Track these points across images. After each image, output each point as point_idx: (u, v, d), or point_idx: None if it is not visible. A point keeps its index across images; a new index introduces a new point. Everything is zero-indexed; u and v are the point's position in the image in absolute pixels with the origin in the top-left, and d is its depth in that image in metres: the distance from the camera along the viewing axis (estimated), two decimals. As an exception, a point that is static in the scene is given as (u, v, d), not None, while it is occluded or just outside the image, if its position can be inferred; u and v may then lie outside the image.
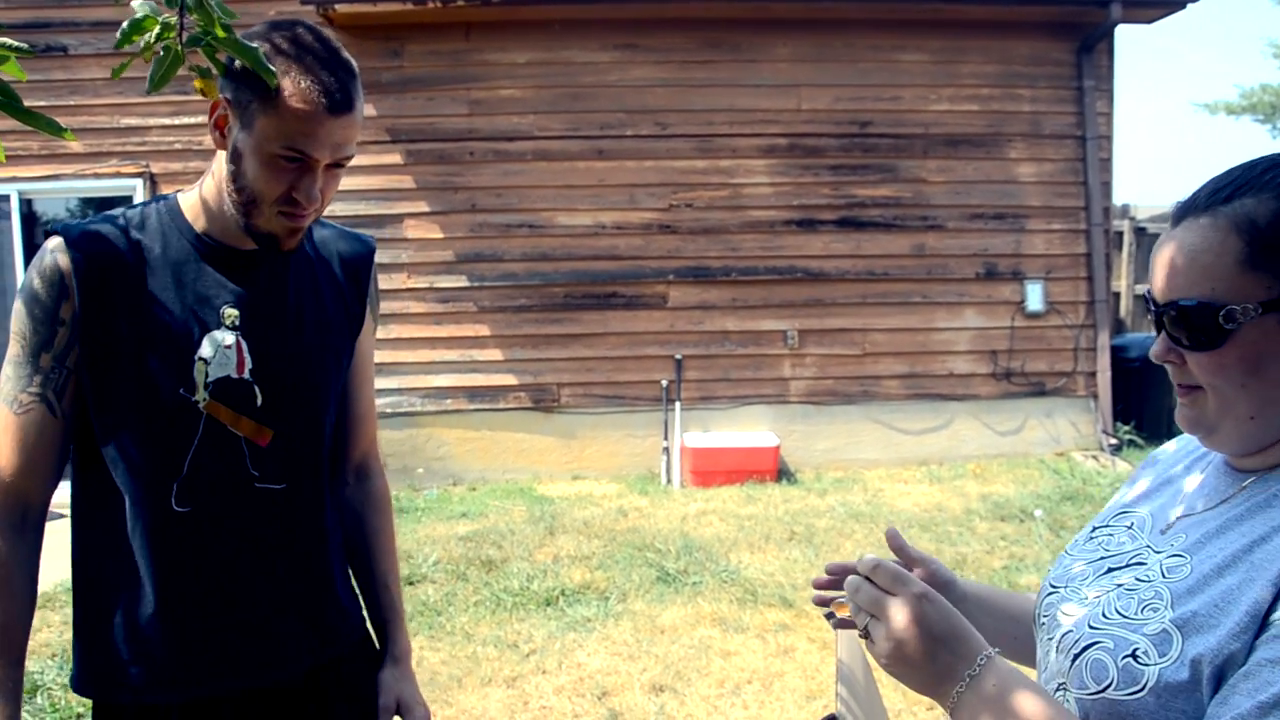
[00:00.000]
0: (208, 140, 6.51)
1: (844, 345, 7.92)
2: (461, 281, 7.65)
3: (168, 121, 7.44)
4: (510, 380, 7.73)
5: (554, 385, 7.74)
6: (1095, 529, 1.33)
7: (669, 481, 7.58)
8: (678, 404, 7.73)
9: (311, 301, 1.64)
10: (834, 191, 7.82)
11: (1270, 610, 0.98)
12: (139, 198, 7.43)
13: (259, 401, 1.56)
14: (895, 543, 1.39)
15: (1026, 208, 8.01)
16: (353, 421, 1.80)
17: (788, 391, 7.91)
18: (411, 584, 5.34)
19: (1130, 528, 1.27)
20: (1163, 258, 1.11)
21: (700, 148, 7.72)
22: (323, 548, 1.67)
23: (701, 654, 4.40)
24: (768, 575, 5.35)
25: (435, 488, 7.55)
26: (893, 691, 3.77)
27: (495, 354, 7.70)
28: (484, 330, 7.69)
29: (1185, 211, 1.10)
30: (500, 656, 4.43)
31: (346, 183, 7.41)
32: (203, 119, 7.29)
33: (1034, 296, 8.01)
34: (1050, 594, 1.28)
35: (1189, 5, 7.80)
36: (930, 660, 1.07)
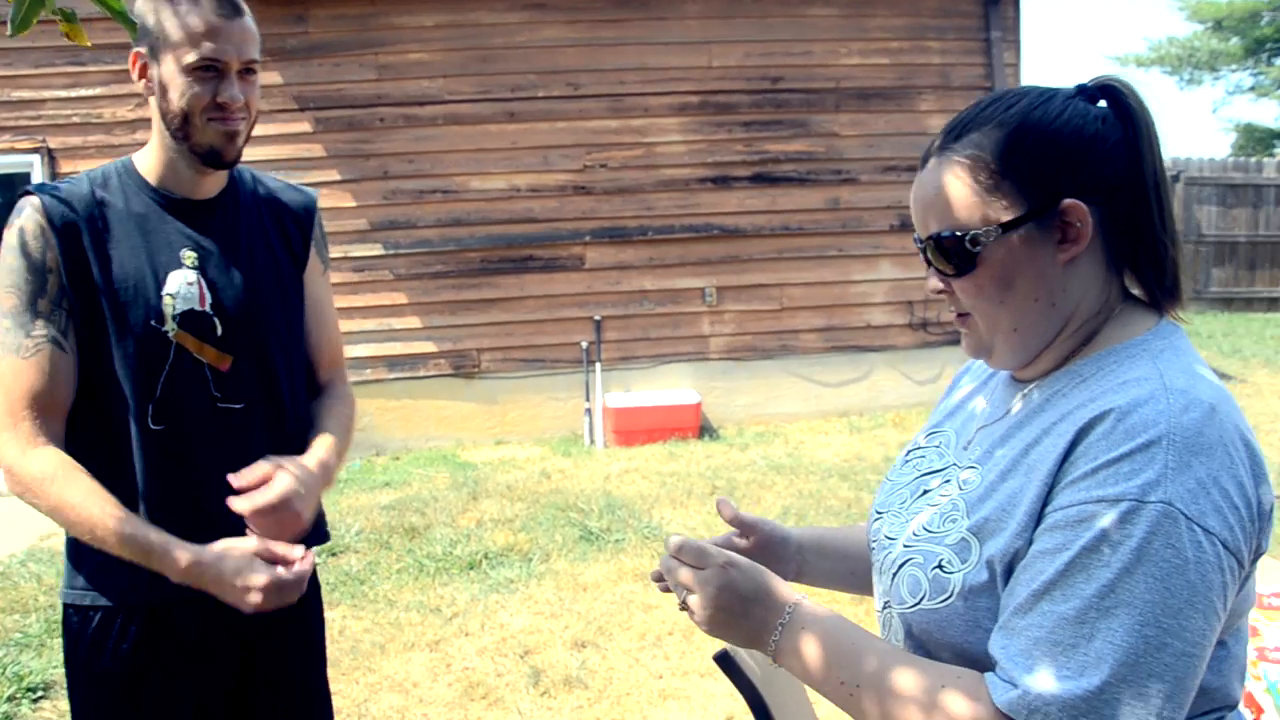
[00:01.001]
0: (108, 113, 6.35)
1: (762, 301, 7.98)
2: (376, 250, 7.56)
3: (64, 94, 7.22)
4: (429, 347, 7.68)
5: (474, 351, 7.71)
6: (910, 452, 1.42)
7: (592, 442, 7.61)
8: (598, 365, 7.74)
9: (261, 244, 1.85)
10: (747, 148, 7.85)
11: (1044, 505, 1.06)
12: (36, 174, 7.20)
13: (219, 331, 1.76)
14: (728, 513, 1.46)
15: (937, 159, 8.10)
16: (313, 349, 1.99)
17: (707, 349, 7.97)
18: (334, 554, 5.30)
19: (939, 447, 1.36)
20: (915, 198, 1.21)
21: (613, 107, 7.69)
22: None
23: (623, 609, 4.44)
24: (690, 530, 5.41)
25: (358, 459, 7.49)
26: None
27: (413, 322, 7.64)
28: (401, 298, 7.62)
29: (928, 154, 1.21)
30: (423, 621, 4.43)
31: (257, 154, 7.26)
32: (100, 90, 7.13)
33: (947, 247, 8.12)
34: (876, 520, 1.36)
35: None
36: (745, 618, 1.18)
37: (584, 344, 7.76)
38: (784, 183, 7.90)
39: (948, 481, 1.24)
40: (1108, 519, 0.99)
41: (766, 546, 1.49)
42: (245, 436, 1.79)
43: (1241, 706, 2.09)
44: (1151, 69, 26.58)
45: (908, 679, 1.07)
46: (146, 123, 1.78)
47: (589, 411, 7.69)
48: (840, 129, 7.95)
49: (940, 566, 1.13)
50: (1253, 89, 26.22)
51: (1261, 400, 8.48)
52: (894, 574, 1.21)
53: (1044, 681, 0.98)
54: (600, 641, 4.15)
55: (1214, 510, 0.98)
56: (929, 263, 1.20)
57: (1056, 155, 1.13)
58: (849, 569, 1.53)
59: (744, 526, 1.48)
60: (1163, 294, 1.18)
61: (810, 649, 1.14)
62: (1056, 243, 1.14)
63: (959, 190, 1.15)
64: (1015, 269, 1.14)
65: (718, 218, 7.85)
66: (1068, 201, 1.12)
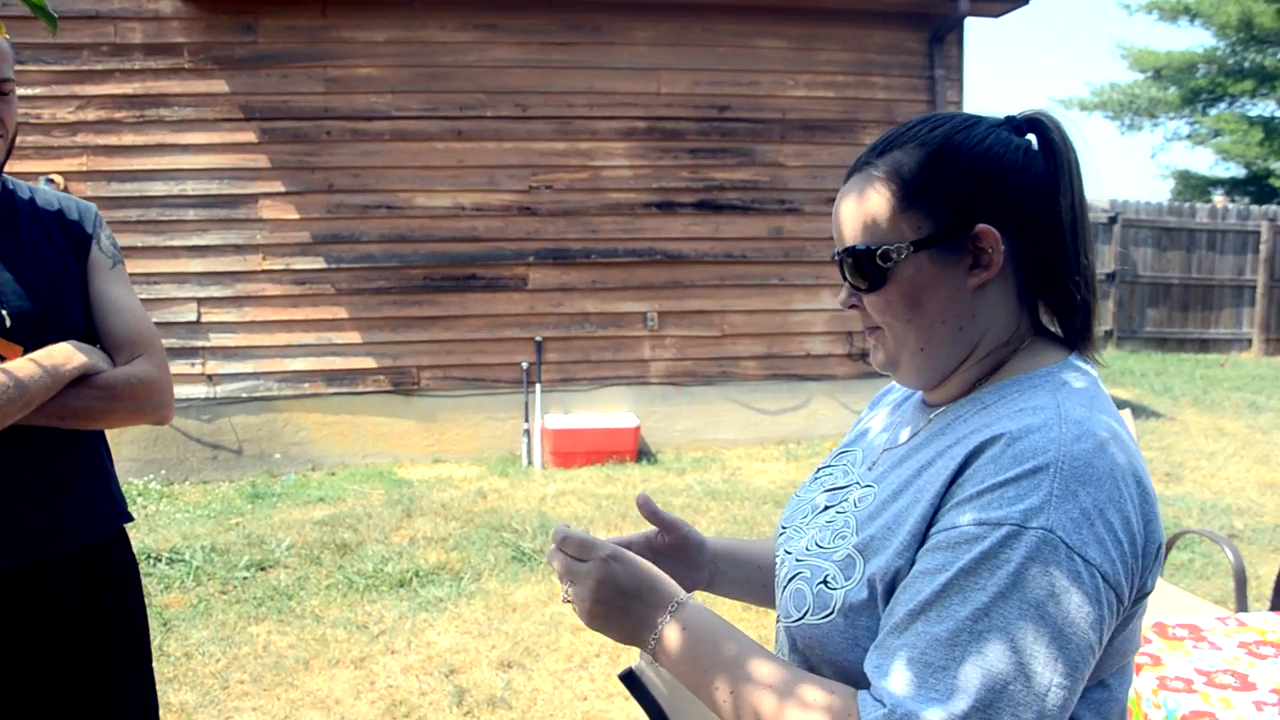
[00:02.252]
0: (46, 114, 6.29)
1: (703, 327, 8.03)
2: (318, 263, 7.51)
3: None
4: (369, 363, 7.63)
5: (414, 368, 7.68)
6: (820, 470, 1.41)
7: (530, 463, 7.60)
8: (538, 386, 7.74)
9: (45, 245, 1.95)
10: (692, 175, 7.91)
11: (929, 527, 1.06)
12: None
13: (7, 324, 1.84)
14: (648, 509, 1.44)
15: (879, 193, 8.21)
16: (105, 337, 1.99)
17: (648, 373, 8.00)
18: (264, 569, 5.25)
19: (845, 466, 1.36)
20: (837, 210, 1.21)
21: (560, 129, 7.72)
22: (63, 447, 1.91)
23: (551, 630, 4.44)
24: (622, 552, 5.41)
25: (293, 473, 7.42)
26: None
27: (354, 337, 7.60)
28: (342, 313, 7.58)
29: (854, 168, 1.21)
30: (349, 638, 4.39)
31: (199, 161, 7.24)
32: (40, 90, 7.05)
33: (887, 279, 8.22)
34: (781, 534, 1.36)
35: (1031, 0, 8.11)
36: (625, 614, 1.17)
37: (524, 364, 7.76)
38: (728, 210, 7.98)
39: (846, 499, 1.24)
40: (988, 543, 0.98)
41: (682, 549, 1.47)
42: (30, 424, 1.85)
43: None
44: (1094, 113, 27.24)
45: (782, 690, 1.06)
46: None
47: (527, 432, 7.68)
48: (785, 159, 8.04)
49: (825, 582, 1.14)
50: (1189, 137, 26.94)
51: (1189, 439, 8.67)
52: (784, 588, 1.22)
53: (911, 703, 0.97)
54: (527, 662, 4.14)
55: (1096, 541, 0.97)
56: (844, 276, 1.20)
57: (973, 179, 1.13)
58: (762, 581, 1.52)
59: (662, 524, 1.46)
60: (1072, 334, 1.19)
61: (688, 650, 1.13)
62: (968, 267, 1.14)
63: (875, 206, 1.16)
64: (924, 289, 1.15)
65: (661, 243, 7.90)
66: (981, 226, 1.12)
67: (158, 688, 3.94)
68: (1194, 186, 26.71)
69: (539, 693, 3.88)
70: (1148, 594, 1.06)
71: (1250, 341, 14.20)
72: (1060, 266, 1.15)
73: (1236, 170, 26.17)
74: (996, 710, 0.94)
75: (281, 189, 7.43)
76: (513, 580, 5.06)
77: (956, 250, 1.14)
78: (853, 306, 1.22)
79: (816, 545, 1.20)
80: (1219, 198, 23.85)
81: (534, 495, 6.60)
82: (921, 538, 1.06)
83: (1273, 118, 24.64)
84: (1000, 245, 1.13)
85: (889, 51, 8.19)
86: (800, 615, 1.16)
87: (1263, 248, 13.97)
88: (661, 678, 1.50)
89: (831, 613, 1.12)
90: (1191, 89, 25.09)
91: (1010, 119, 1.20)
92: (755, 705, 1.07)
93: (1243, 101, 25.12)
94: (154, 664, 4.13)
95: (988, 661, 0.95)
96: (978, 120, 1.18)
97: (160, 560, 5.28)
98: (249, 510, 6.39)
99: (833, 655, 1.12)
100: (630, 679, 1.42)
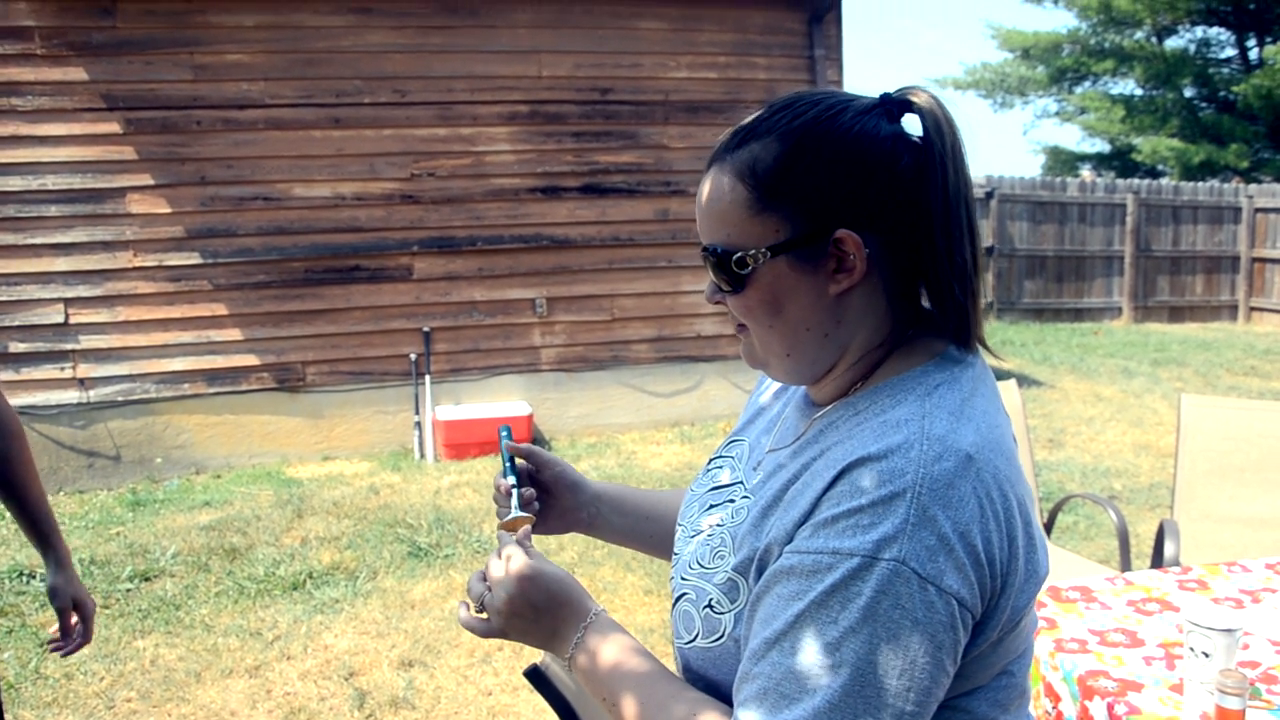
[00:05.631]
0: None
1: (593, 311, 7.97)
2: (194, 259, 7.23)
3: None
4: (252, 360, 7.39)
5: (299, 364, 7.46)
6: (711, 462, 1.34)
7: (422, 456, 7.46)
8: (428, 377, 7.59)
9: None
10: (577, 158, 7.84)
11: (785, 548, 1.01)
12: None
13: None
14: (521, 450, 1.45)
15: (764, 172, 8.24)
16: None
17: (539, 360, 7.91)
18: (148, 579, 5.04)
19: (734, 458, 1.29)
20: (698, 203, 1.13)
21: (441, 115, 7.56)
22: None
23: (452, 626, 4.35)
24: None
25: (176, 478, 7.15)
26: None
27: (234, 334, 7.34)
28: (221, 309, 7.31)
29: (713, 158, 1.11)
30: (242, 646, 4.24)
31: (60, 154, 6.91)
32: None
33: (774, 258, 8.27)
34: (678, 532, 1.30)
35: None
36: (537, 626, 1.17)
37: (413, 356, 7.61)
38: (613, 194, 7.92)
39: (731, 502, 1.19)
40: (839, 574, 0.93)
41: (554, 489, 1.47)
42: None
43: (1042, 697, 2.17)
44: (968, 91, 27.94)
45: (656, 703, 1.06)
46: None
47: (419, 425, 7.53)
48: (669, 141, 8.02)
49: (710, 606, 1.10)
50: (1058, 114, 27.88)
51: (1069, 405, 8.94)
52: (673, 605, 1.18)
53: None
54: (428, 660, 4.05)
55: (955, 568, 0.93)
56: (709, 272, 1.12)
57: (834, 178, 1.04)
58: (648, 530, 1.50)
59: (539, 463, 1.47)
60: (948, 333, 1.10)
61: (602, 664, 1.13)
62: (831, 272, 1.05)
63: (730, 205, 1.07)
64: (785, 295, 1.06)
65: (548, 228, 7.81)
66: (841, 231, 1.03)
67: (35, 713, 3.75)
68: (1064, 162, 27.63)
69: (442, 690, 3.80)
70: (1020, 608, 1.02)
71: (1120, 310, 14.73)
72: (930, 266, 1.06)
73: (1102, 146, 27.14)
74: None
75: (151, 182, 7.12)
76: (410, 577, 4.95)
77: (816, 255, 1.05)
78: (718, 302, 1.14)
79: (699, 564, 1.15)
80: (1086, 172, 24.74)
81: (428, 489, 6.48)
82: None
83: (1133, 96, 25.58)
84: (863, 250, 1.04)
85: (769, 32, 8.22)
86: (690, 638, 1.12)
87: (1129, 220, 14.50)
88: (567, 673, 1.46)
89: (721, 637, 1.08)
90: (1058, 68, 25.89)
91: (886, 99, 1.09)
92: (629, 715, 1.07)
93: (1105, 80, 26.05)
94: (31, 688, 3.93)
95: (837, 697, 0.92)
96: (845, 105, 1.07)
97: (34, 577, 5.03)
98: (130, 519, 6.13)
99: (728, 675, 1.07)
100: (536, 675, 1.39)
